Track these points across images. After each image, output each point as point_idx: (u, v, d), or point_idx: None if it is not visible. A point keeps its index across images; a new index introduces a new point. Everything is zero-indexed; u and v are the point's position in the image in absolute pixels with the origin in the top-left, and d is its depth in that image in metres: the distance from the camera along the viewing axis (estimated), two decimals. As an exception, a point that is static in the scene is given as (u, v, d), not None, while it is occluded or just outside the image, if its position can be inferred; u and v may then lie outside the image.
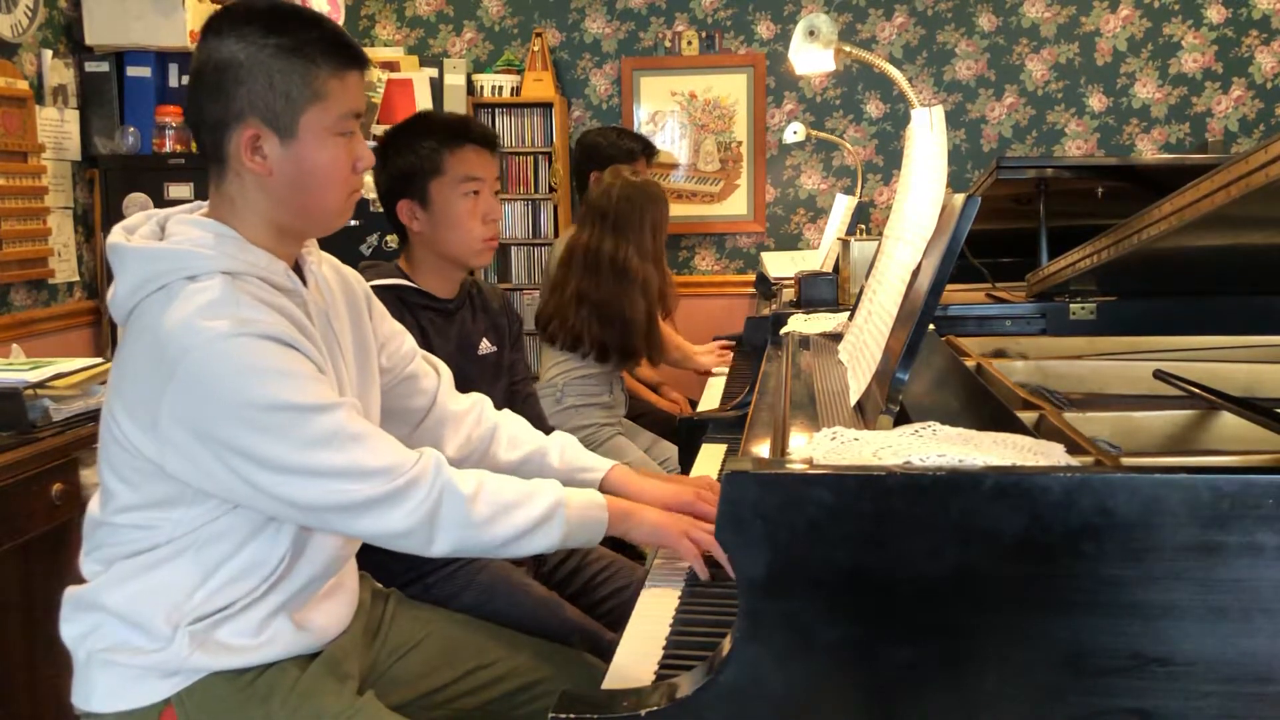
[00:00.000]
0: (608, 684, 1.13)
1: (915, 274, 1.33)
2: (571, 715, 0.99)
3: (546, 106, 4.70)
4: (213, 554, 1.28)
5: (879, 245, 1.79)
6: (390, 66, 4.30)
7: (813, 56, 2.10)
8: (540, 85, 4.72)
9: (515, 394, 2.16)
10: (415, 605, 1.63)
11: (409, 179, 1.95)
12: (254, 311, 1.23)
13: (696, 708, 0.97)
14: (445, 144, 1.93)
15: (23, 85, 3.09)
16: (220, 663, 1.29)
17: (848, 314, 2.00)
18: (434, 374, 1.63)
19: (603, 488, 1.55)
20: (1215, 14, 4.68)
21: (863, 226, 3.73)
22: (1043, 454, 0.99)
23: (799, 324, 2.32)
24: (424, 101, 4.24)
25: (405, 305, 1.92)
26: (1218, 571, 0.88)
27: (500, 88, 4.73)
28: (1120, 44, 4.75)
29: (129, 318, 1.27)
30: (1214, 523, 0.88)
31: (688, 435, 2.20)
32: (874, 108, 4.87)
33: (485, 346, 2.09)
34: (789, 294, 3.13)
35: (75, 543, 1.39)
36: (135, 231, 1.30)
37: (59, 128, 3.31)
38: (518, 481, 1.36)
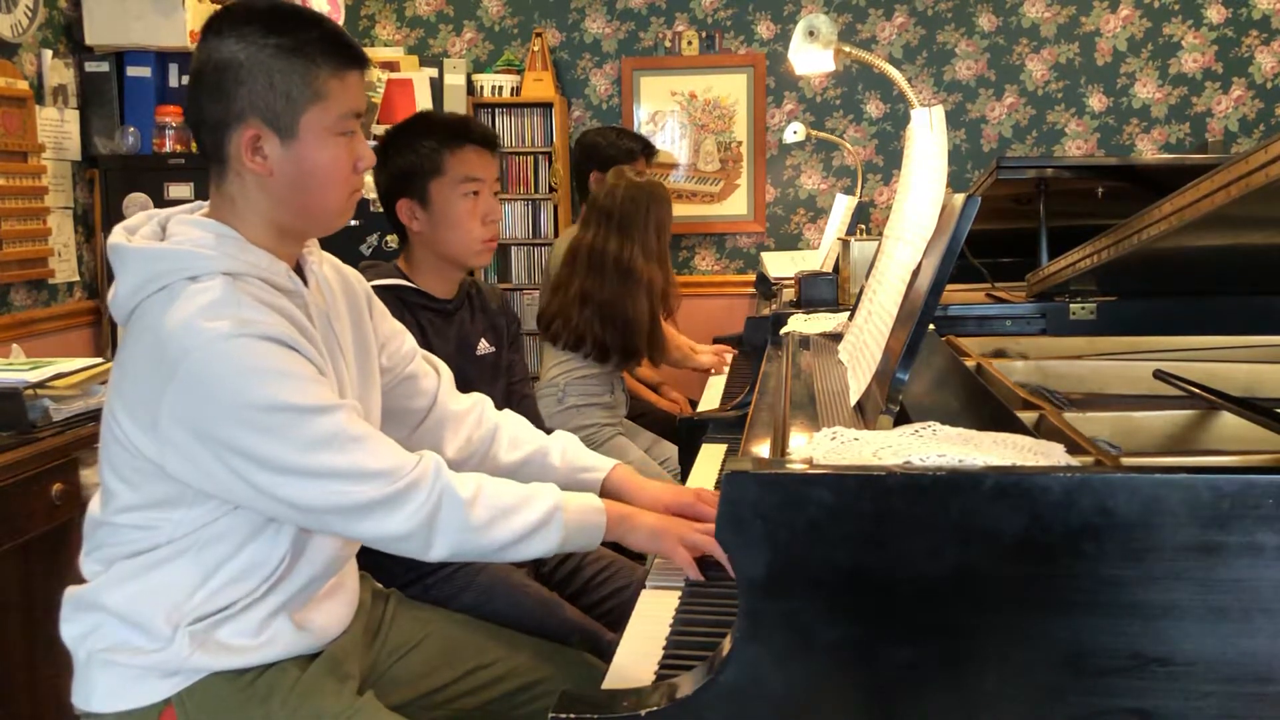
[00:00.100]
0: (608, 684, 1.13)
1: (915, 274, 1.33)
2: (571, 715, 0.99)
3: (546, 106, 4.70)
4: (213, 554, 1.28)
5: (879, 245, 1.79)
6: (390, 66, 4.30)
7: (812, 57, 2.10)
8: (540, 85, 4.72)
9: (513, 394, 2.16)
10: (415, 605, 1.63)
11: (409, 179, 1.95)
12: (255, 312, 1.23)
13: (696, 708, 0.97)
14: (445, 144, 1.93)
15: (23, 85, 3.09)
16: (220, 663, 1.29)
17: (848, 314, 1.99)
18: (434, 374, 1.63)
19: (604, 487, 1.56)
20: (1215, 14, 4.68)
21: (863, 226, 3.74)
22: (1043, 454, 0.99)
23: (799, 324, 2.32)
24: (424, 101, 4.24)
25: (404, 305, 1.92)
26: (1218, 571, 0.88)
27: (500, 88, 4.73)
28: (1120, 44, 4.74)
29: (130, 318, 1.27)
30: (1214, 523, 0.88)
31: (688, 435, 2.19)
32: (874, 108, 4.87)
33: (484, 347, 2.09)
34: (789, 294, 3.13)
35: (75, 543, 1.39)
36: (136, 232, 1.30)
37: (59, 128, 3.31)
38: (516, 485, 1.36)
